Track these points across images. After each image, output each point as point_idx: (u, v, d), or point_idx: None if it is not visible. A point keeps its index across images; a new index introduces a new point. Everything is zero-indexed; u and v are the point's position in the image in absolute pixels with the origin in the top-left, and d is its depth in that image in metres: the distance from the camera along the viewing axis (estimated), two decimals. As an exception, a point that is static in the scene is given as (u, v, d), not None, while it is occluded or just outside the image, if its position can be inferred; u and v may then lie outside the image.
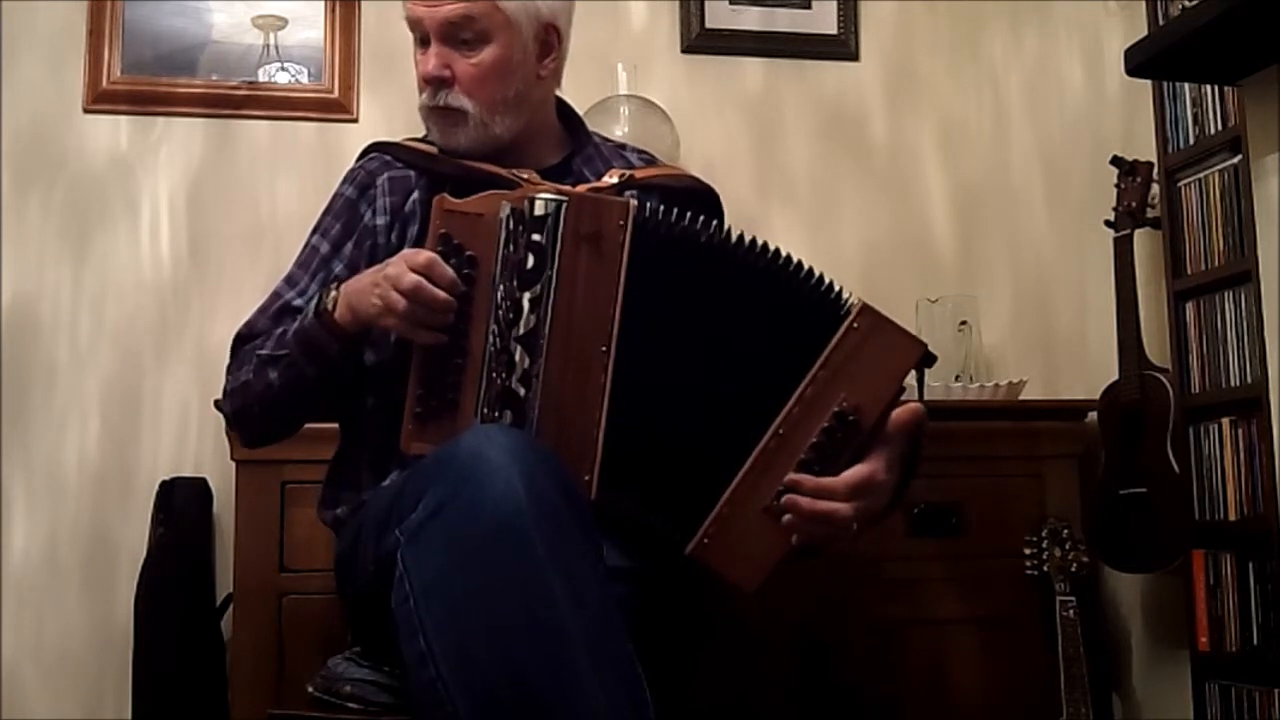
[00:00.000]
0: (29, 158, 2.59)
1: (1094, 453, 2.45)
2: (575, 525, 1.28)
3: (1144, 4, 2.48)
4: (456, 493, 1.27)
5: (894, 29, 2.97)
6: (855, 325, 1.43)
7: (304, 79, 2.72)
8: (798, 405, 1.42)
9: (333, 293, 1.54)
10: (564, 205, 1.44)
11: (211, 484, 2.50)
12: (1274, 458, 2.11)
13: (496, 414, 1.43)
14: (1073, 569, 2.32)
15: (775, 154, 2.90)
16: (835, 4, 2.92)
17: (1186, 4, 2.20)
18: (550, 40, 1.70)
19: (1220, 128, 2.29)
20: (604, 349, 1.44)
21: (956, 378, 2.62)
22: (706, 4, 2.87)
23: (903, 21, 2.97)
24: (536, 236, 1.43)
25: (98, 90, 2.63)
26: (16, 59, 2.61)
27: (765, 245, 1.47)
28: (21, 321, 2.55)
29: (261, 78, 2.71)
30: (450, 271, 1.43)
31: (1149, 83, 2.44)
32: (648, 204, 1.48)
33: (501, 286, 1.44)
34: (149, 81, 2.65)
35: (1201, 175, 2.33)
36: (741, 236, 1.48)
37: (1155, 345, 2.40)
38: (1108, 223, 2.40)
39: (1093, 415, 2.46)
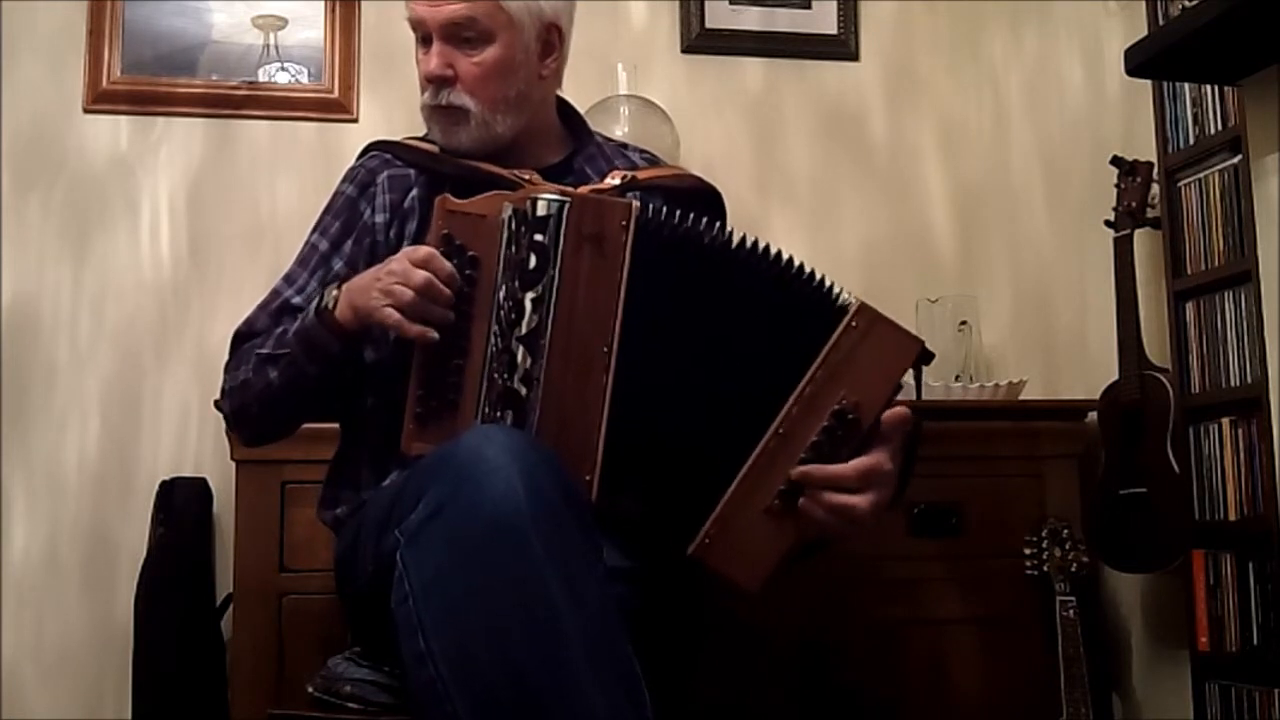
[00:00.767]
0: (29, 158, 2.59)
1: (1094, 453, 2.45)
2: (575, 525, 1.28)
3: (1144, 4, 2.48)
4: (456, 493, 1.27)
5: (894, 29, 2.97)
6: (853, 324, 1.43)
7: (304, 79, 2.73)
8: (797, 404, 1.42)
9: (334, 291, 1.54)
10: (566, 206, 1.44)
11: (211, 484, 2.50)
12: (1274, 458, 2.11)
13: (497, 414, 1.43)
14: (1073, 569, 2.32)
15: (775, 154, 2.90)
16: (835, 4, 2.92)
17: (1186, 4, 2.20)
18: (552, 40, 1.70)
19: (1220, 128, 2.29)
20: (605, 350, 1.44)
21: (956, 378, 2.62)
22: (706, 4, 2.87)
23: (903, 21, 2.97)
24: (539, 237, 1.43)
25: (98, 90, 2.63)
26: (16, 59, 2.61)
27: (766, 247, 1.48)
28: (21, 321, 2.55)
29: (261, 78, 2.71)
30: (448, 265, 1.43)
31: (1149, 83, 2.44)
32: (650, 205, 1.48)
33: (503, 287, 1.44)
34: (149, 81, 2.65)
35: (1201, 175, 2.33)
36: (744, 238, 1.48)
37: (1155, 345, 2.40)
38: (1108, 223, 2.40)
39: (1093, 415, 2.46)
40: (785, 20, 2.91)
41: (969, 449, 2.41)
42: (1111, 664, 2.55)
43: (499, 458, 1.27)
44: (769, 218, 2.82)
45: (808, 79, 2.92)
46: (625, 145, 1.87)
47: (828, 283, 1.47)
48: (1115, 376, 2.36)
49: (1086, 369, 2.66)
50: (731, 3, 2.89)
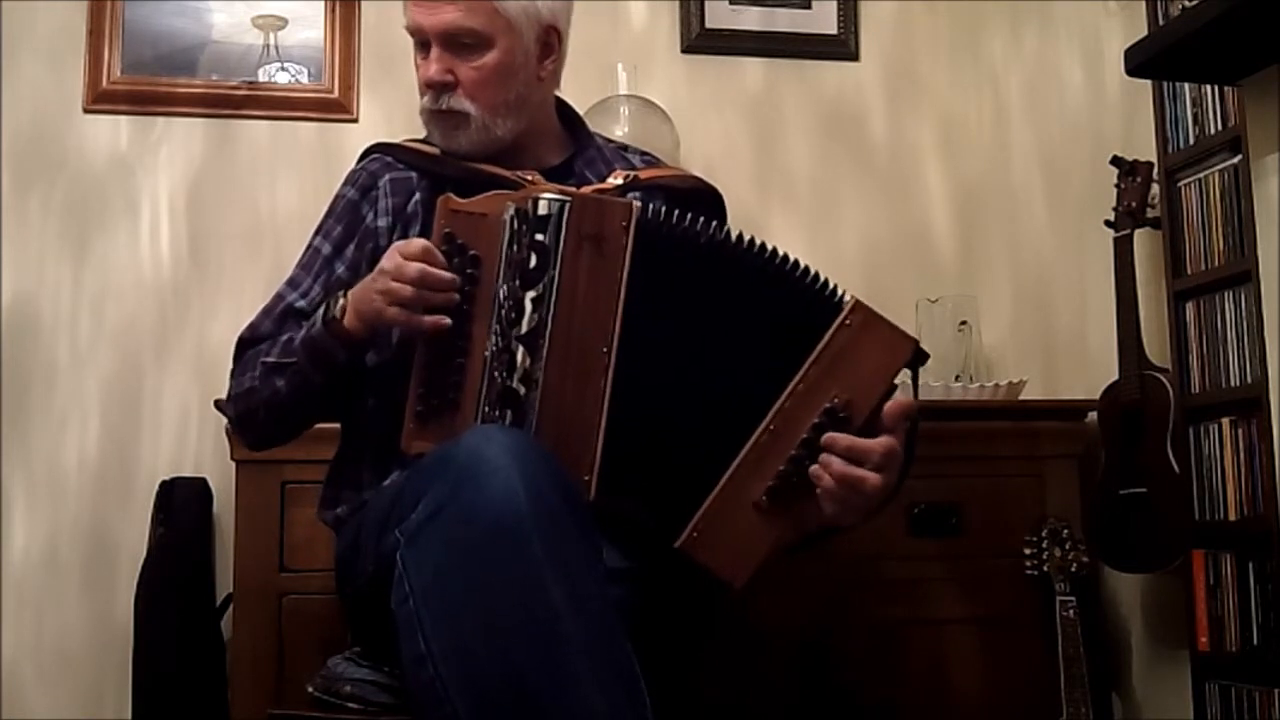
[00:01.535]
0: (29, 158, 2.59)
1: (1094, 453, 2.45)
2: (574, 526, 1.28)
3: (1144, 4, 2.49)
4: (456, 493, 1.27)
5: (894, 29, 2.97)
6: (847, 322, 1.43)
7: (304, 79, 2.72)
8: (789, 400, 1.42)
9: (340, 301, 1.54)
10: (567, 205, 1.44)
11: (211, 484, 2.50)
12: (1274, 458, 2.11)
13: (497, 413, 1.43)
14: (1073, 569, 2.32)
15: (775, 154, 2.90)
16: (835, 4, 2.92)
17: (1186, 4, 2.21)
18: (551, 41, 1.70)
19: (1220, 128, 2.29)
20: (605, 350, 1.44)
21: (956, 378, 2.62)
22: (706, 4, 2.87)
23: (903, 21, 2.97)
24: (540, 236, 1.43)
25: (98, 90, 2.63)
26: (16, 59, 2.60)
27: (765, 246, 1.47)
28: (21, 321, 2.55)
29: (261, 78, 2.70)
30: (440, 255, 1.44)
31: (1149, 83, 2.44)
32: (650, 205, 1.48)
33: (504, 286, 1.44)
34: (149, 81, 2.65)
35: (1201, 175, 2.34)
36: (742, 237, 1.48)
37: (1155, 345, 2.40)
38: (1108, 223, 2.41)
39: (1093, 415, 2.46)
40: (785, 20, 2.90)
41: (969, 449, 2.41)
42: (1111, 664, 2.56)
43: (499, 458, 1.27)
44: (769, 218, 2.82)
45: (808, 79, 2.92)
46: (625, 147, 1.87)
47: (824, 280, 1.47)
48: (1115, 376, 2.36)
49: (1086, 369, 2.66)
50: (731, 3, 2.89)
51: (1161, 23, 2.40)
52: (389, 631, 1.30)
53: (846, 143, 2.92)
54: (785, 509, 1.42)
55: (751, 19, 2.89)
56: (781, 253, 1.47)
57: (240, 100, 2.68)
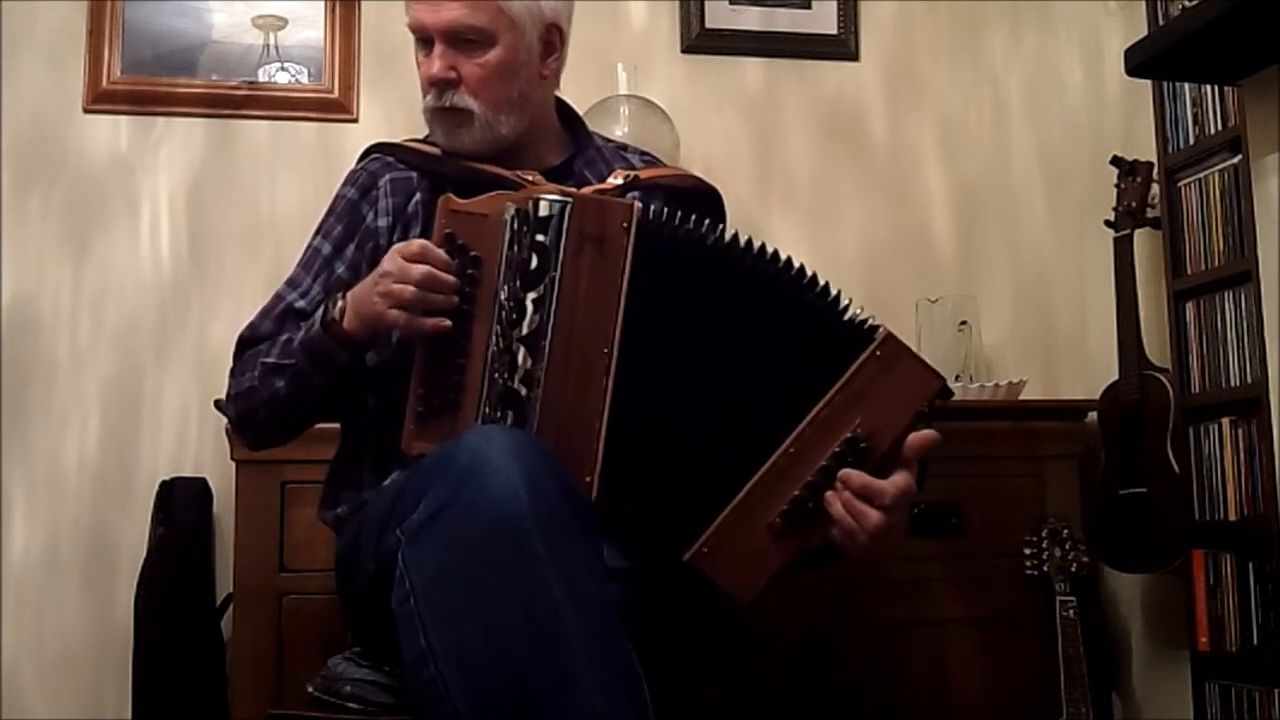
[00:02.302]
0: (29, 158, 2.59)
1: (1094, 453, 2.45)
2: (576, 526, 1.28)
3: (1144, 4, 2.49)
4: (457, 492, 1.27)
5: (894, 29, 2.97)
6: (878, 353, 1.41)
7: (304, 79, 2.72)
8: (811, 426, 1.41)
9: (339, 302, 1.54)
10: (568, 206, 1.44)
11: (211, 484, 2.50)
12: (1274, 458, 2.11)
13: (498, 414, 1.43)
14: (1073, 569, 2.32)
15: (775, 154, 2.90)
16: (835, 4, 2.92)
17: (1186, 4, 2.21)
18: (553, 40, 1.70)
19: (1220, 128, 2.29)
20: (605, 350, 1.44)
21: (956, 378, 2.62)
22: (706, 4, 2.87)
23: (903, 21, 2.97)
24: (540, 237, 1.43)
25: (98, 90, 2.63)
26: (16, 59, 2.60)
27: (765, 249, 1.47)
28: (21, 321, 2.55)
29: (261, 78, 2.70)
30: (443, 254, 1.44)
31: (1149, 83, 2.44)
32: (651, 206, 1.48)
33: (505, 287, 1.44)
34: (149, 81, 2.65)
35: (1201, 175, 2.34)
36: (748, 241, 1.47)
37: (1155, 345, 2.40)
38: (1108, 223, 2.41)
39: (1093, 415, 2.46)
40: (785, 20, 2.90)
41: (969, 449, 2.40)
42: (1111, 664, 2.56)
43: (500, 458, 1.27)
44: (769, 218, 2.82)
45: (808, 79, 2.92)
46: (624, 146, 1.87)
47: (835, 293, 1.45)
48: (1115, 376, 2.36)
49: (1086, 369, 2.66)
50: (731, 3, 2.89)
51: (1161, 23, 2.40)
52: (389, 631, 1.29)
53: (846, 143, 2.92)
54: (797, 532, 1.42)
55: (751, 19, 2.89)
56: (791, 261, 1.46)
57: (240, 100, 2.68)
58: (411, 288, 1.43)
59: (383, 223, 1.68)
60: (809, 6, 2.92)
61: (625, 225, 1.44)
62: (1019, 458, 2.47)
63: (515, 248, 1.44)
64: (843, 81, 2.93)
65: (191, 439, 2.57)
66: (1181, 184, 2.39)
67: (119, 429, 2.56)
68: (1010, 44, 2.98)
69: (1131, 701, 2.54)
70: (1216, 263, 2.29)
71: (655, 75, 2.82)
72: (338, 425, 1.73)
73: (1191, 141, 2.37)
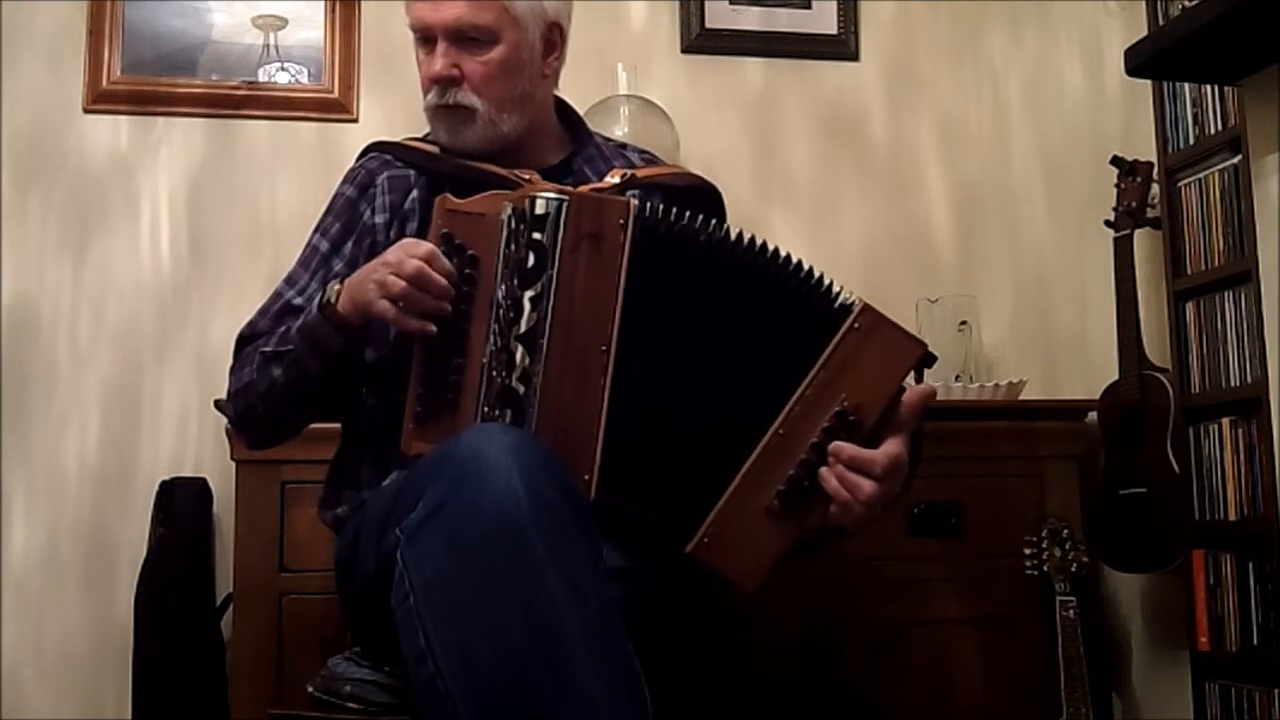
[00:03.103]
0: (29, 158, 2.59)
1: (1094, 453, 2.45)
2: (575, 524, 1.28)
3: (1144, 4, 2.49)
4: (457, 491, 1.27)
5: (894, 29, 2.97)
6: (856, 325, 1.43)
7: (304, 79, 2.73)
8: (799, 404, 1.42)
9: (335, 286, 1.54)
10: (565, 204, 1.44)
11: (211, 484, 2.50)
12: (1274, 458, 2.11)
13: (497, 413, 1.43)
14: (1073, 569, 2.32)
15: (775, 154, 2.90)
16: (835, 4, 2.92)
17: (1186, 4, 2.21)
18: (554, 38, 1.71)
19: (1220, 128, 2.29)
20: (604, 348, 1.44)
21: (956, 378, 2.62)
22: (706, 4, 2.87)
23: (903, 21, 2.97)
24: (537, 235, 1.43)
25: (98, 90, 2.63)
26: (16, 59, 2.61)
27: (765, 245, 1.47)
28: (21, 321, 2.55)
29: (261, 78, 2.71)
30: (446, 262, 1.44)
31: (1149, 83, 2.44)
32: (648, 203, 1.48)
33: (503, 286, 1.44)
34: (149, 81, 2.65)
35: (1201, 175, 2.34)
36: (741, 236, 1.48)
37: (1155, 345, 2.40)
38: (1108, 223, 2.41)
39: (1093, 415, 2.46)
40: (785, 20, 2.91)
41: (969, 449, 2.41)
42: (1111, 664, 2.56)
43: (499, 456, 1.27)
44: (769, 218, 2.82)
45: (808, 79, 2.92)
46: (624, 145, 1.87)
47: (827, 281, 1.47)
48: (1115, 376, 2.36)
49: (1086, 369, 2.66)
50: (731, 3, 2.89)
51: (1161, 23, 2.40)
52: (389, 631, 1.29)
53: (846, 143, 2.92)
54: (796, 513, 1.42)
55: (751, 19, 2.89)
56: (784, 253, 1.47)
57: (240, 100, 2.68)
58: (402, 282, 1.43)
59: (380, 220, 1.68)
60: (809, 6, 2.92)
61: (622, 222, 1.44)
62: (1019, 458, 2.47)
63: (512, 246, 1.44)
64: (843, 81, 2.93)
65: (191, 439, 2.57)
66: (1181, 184, 2.39)
67: (119, 429, 2.56)
68: (1010, 44, 2.98)
69: (1131, 701, 2.54)
70: (1216, 263, 2.29)
71: (655, 75, 2.82)
72: (338, 425, 1.73)
73: (1191, 141, 2.37)
